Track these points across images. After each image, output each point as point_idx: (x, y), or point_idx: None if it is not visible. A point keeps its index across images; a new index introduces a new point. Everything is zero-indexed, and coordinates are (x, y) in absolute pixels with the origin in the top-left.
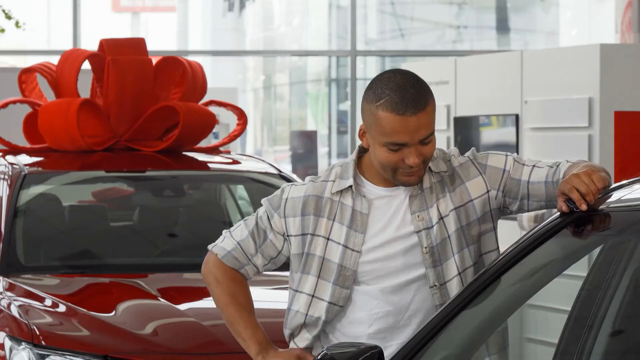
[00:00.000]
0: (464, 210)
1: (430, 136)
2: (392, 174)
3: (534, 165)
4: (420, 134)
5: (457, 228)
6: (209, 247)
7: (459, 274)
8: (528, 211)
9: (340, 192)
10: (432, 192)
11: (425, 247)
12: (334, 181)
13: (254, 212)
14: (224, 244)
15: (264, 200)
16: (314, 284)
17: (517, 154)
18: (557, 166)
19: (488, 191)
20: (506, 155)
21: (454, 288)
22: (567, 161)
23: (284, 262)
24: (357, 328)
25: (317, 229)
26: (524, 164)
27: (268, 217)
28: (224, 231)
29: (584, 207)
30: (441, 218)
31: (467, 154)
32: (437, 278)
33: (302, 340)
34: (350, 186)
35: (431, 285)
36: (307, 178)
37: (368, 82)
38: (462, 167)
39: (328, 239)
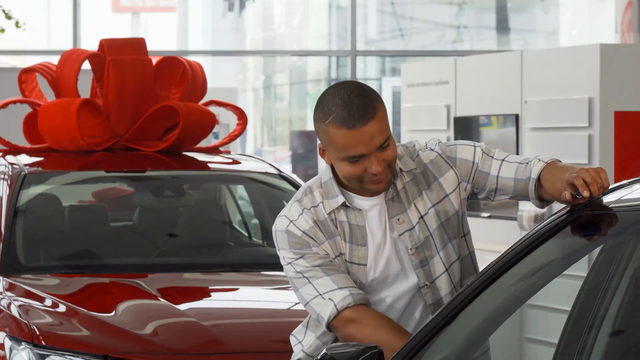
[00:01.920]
0: (442, 206)
1: (387, 140)
2: (359, 184)
3: (503, 160)
4: (375, 142)
5: (438, 225)
6: (327, 321)
7: (446, 270)
8: (493, 201)
9: (333, 211)
10: (406, 193)
11: (411, 249)
12: (322, 202)
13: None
14: (340, 297)
15: (286, 252)
16: None
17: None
18: (527, 163)
19: (459, 183)
20: (474, 146)
21: (443, 284)
22: (539, 160)
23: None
24: None
25: (339, 249)
26: (492, 157)
27: (311, 254)
28: (312, 303)
29: (585, 193)
30: (421, 217)
31: (434, 147)
32: (426, 277)
33: (308, 339)
34: (343, 202)
35: (422, 285)
36: (295, 207)
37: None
38: (433, 163)
39: (344, 257)
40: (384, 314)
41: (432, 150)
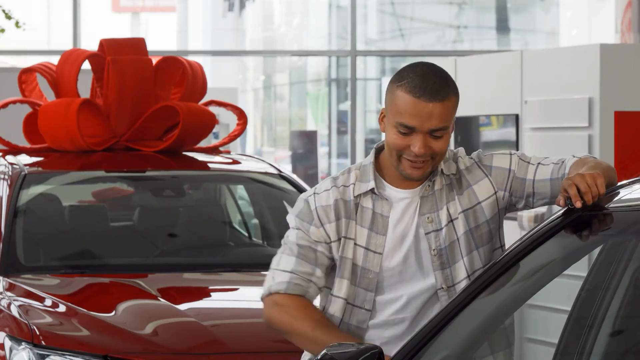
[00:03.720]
0: (473, 212)
1: (442, 130)
2: (397, 160)
3: (539, 163)
4: (431, 123)
5: (465, 231)
6: (263, 294)
7: (468, 276)
8: (533, 207)
9: (361, 195)
10: (442, 195)
11: (434, 250)
12: (354, 184)
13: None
14: (279, 280)
15: (292, 218)
16: (347, 289)
17: (517, 148)
18: (563, 162)
19: (496, 192)
20: (510, 154)
21: None
22: (574, 156)
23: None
24: (373, 332)
25: (348, 231)
26: (528, 162)
27: (305, 233)
28: (269, 272)
29: (578, 204)
30: (450, 220)
31: (473, 156)
32: (444, 280)
33: None
34: (372, 189)
35: (439, 287)
36: (327, 182)
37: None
38: (469, 170)
39: (355, 242)
40: (399, 311)
41: (470, 158)
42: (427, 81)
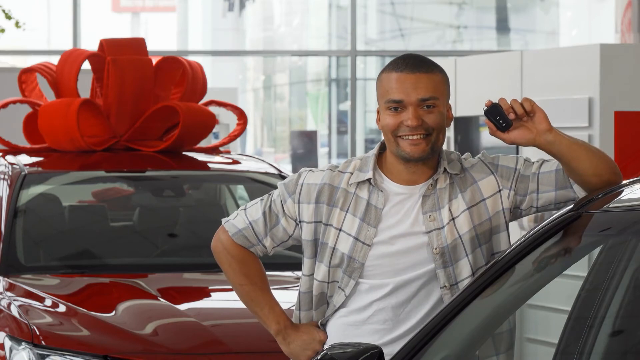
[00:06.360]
0: (476, 209)
1: (432, 100)
2: (395, 143)
3: (544, 160)
4: (417, 92)
5: (469, 228)
6: (223, 220)
7: (473, 274)
8: (537, 208)
9: (357, 184)
10: (445, 193)
11: (436, 248)
12: (352, 173)
13: None
14: (236, 222)
15: (280, 183)
16: (327, 273)
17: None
18: None
19: (500, 190)
20: (517, 157)
21: None
22: None
23: (296, 246)
24: (356, 317)
25: (330, 219)
26: (534, 162)
27: (282, 201)
28: (240, 208)
29: (488, 102)
30: (452, 219)
31: (479, 155)
32: (447, 279)
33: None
34: (369, 179)
35: (441, 285)
36: (326, 166)
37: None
38: (474, 168)
39: (340, 229)
40: (382, 299)
41: (476, 157)
42: (409, 58)
